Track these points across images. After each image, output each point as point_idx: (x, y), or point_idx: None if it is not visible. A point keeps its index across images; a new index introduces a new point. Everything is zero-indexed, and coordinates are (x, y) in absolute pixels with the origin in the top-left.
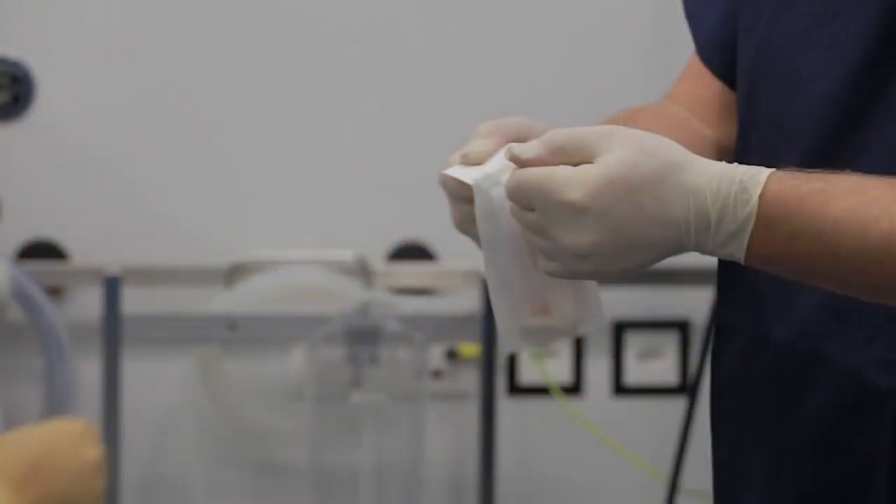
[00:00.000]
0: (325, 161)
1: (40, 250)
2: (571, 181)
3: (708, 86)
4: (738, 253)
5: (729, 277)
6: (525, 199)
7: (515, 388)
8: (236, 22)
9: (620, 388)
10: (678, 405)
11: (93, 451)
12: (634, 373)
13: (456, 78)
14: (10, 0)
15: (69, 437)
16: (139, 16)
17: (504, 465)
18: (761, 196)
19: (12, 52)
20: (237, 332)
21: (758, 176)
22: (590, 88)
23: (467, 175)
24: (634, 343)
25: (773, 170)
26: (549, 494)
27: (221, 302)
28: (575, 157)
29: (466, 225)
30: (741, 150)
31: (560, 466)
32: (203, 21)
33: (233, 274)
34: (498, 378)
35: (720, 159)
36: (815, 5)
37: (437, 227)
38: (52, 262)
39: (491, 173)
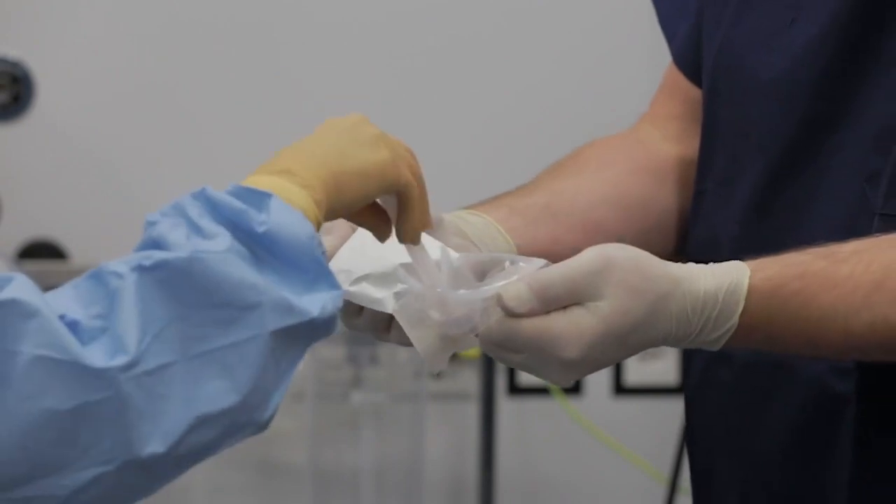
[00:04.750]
0: None
1: (40, 250)
2: (567, 339)
3: (682, 101)
4: (714, 347)
5: None
6: (516, 349)
7: (515, 388)
8: (236, 22)
9: (620, 388)
10: (678, 405)
11: (370, 128)
12: (634, 373)
13: (456, 78)
14: (9, 0)
15: (344, 127)
16: (139, 16)
17: (504, 465)
18: (743, 311)
19: (12, 52)
20: None
21: (739, 289)
22: (590, 88)
23: (380, 305)
24: None
25: (752, 271)
26: (549, 494)
27: None
28: (566, 303)
29: (353, 325)
30: (705, 156)
31: (560, 466)
32: (203, 21)
33: None
34: (498, 378)
35: (687, 173)
36: (774, 9)
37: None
38: (52, 261)
39: (376, 276)
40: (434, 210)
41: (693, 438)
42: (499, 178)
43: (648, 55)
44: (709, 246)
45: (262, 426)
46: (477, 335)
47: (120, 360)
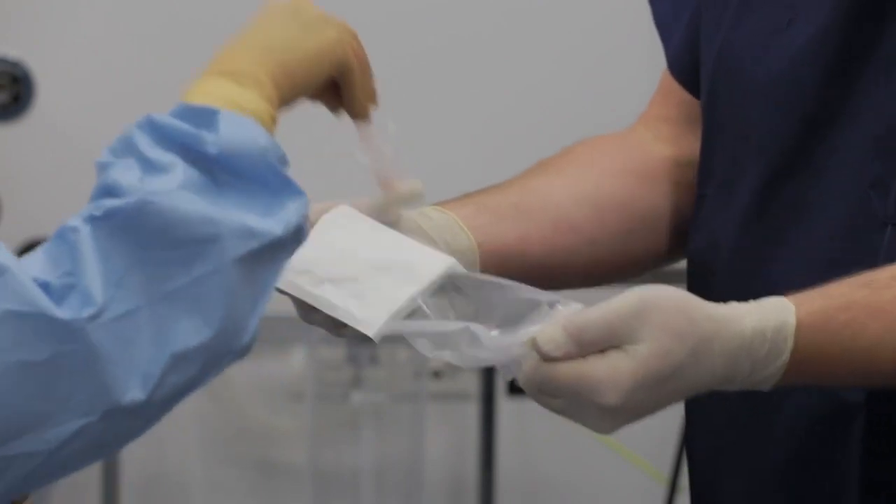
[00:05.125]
0: (325, 161)
1: None
2: (605, 384)
3: (676, 103)
4: (765, 387)
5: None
6: (553, 394)
7: (515, 388)
8: (236, 22)
9: None
10: (678, 405)
11: (312, 9)
12: None
13: (456, 78)
14: (10, 0)
15: (286, 11)
16: (139, 16)
17: (504, 465)
18: (793, 348)
19: (12, 52)
20: None
21: (786, 326)
22: (590, 89)
23: (362, 324)
24: None
25: (796, 306)
26: (550, 495)
27: None
28: (603, 346)
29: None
30: (705, 161)
31: (560, 466)
32: (203, 21)
33: None
34: (498, 378)
35: (681, 175)
36: (773, 10)
37: None
38: None
39: (340, 279)
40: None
41: (694, 447)
42: (498, 178)
43: (648, 55)
44: (709, 250)
45: (243, 352)
46: (515, 379)
47: (87, 312)
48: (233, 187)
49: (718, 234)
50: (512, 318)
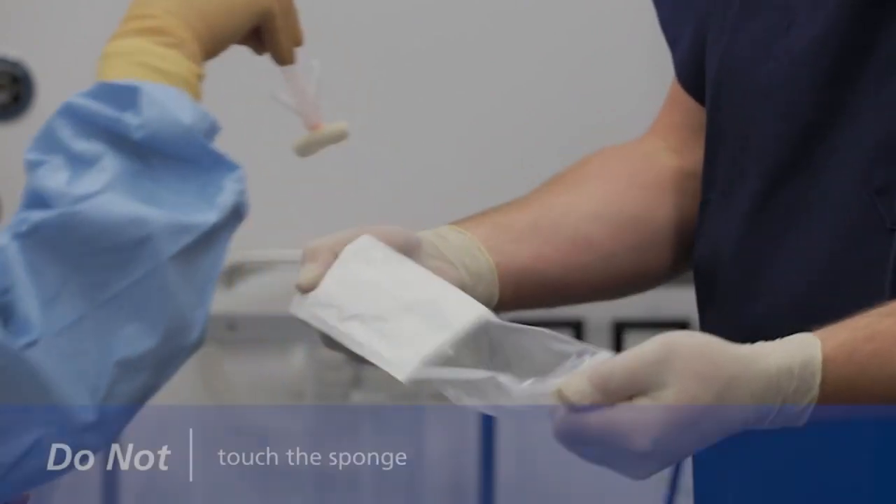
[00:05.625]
0: (325, 161)
1: None
2: (635, 430)
3: (683, 111)
4: (799, 423)
5: (705, 306)
6: (585, 443)
7: None
8: None
9: None
10: None
11: None
12: None
13: (456, 78)
14: (9, 0)
15: None
16: None
17: (504, 465)
18: (822, 382)
19: (12, 52)
20: (237, 332)
21: (813, 361)
22: (590, 88)
23: (392, 366)
24: (634, 343)
25: (822, 341)
26: (549, 495)
27: (221, 302)
28: (629, 394)
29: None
30: (708, 166)
31: (560, 466)
32: None
33: (233, 274)
34: None
35: (688, 185)
36: (773, 14)
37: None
38: None
39: (368, 315)
40: (420, 222)
41: (698, 456)
42: (485, 179)
43: (642, 56)
44: (712, 257)
45: (196, 346)
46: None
47: (24, 339)
48: (166, 169)
49: (720, 238)
50: (542, 369)
